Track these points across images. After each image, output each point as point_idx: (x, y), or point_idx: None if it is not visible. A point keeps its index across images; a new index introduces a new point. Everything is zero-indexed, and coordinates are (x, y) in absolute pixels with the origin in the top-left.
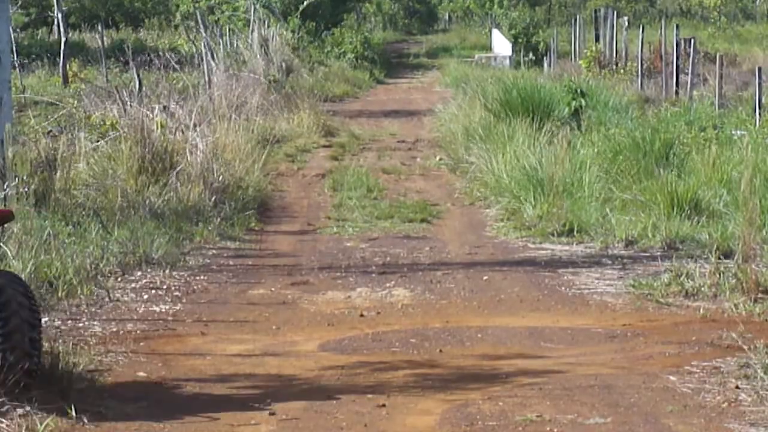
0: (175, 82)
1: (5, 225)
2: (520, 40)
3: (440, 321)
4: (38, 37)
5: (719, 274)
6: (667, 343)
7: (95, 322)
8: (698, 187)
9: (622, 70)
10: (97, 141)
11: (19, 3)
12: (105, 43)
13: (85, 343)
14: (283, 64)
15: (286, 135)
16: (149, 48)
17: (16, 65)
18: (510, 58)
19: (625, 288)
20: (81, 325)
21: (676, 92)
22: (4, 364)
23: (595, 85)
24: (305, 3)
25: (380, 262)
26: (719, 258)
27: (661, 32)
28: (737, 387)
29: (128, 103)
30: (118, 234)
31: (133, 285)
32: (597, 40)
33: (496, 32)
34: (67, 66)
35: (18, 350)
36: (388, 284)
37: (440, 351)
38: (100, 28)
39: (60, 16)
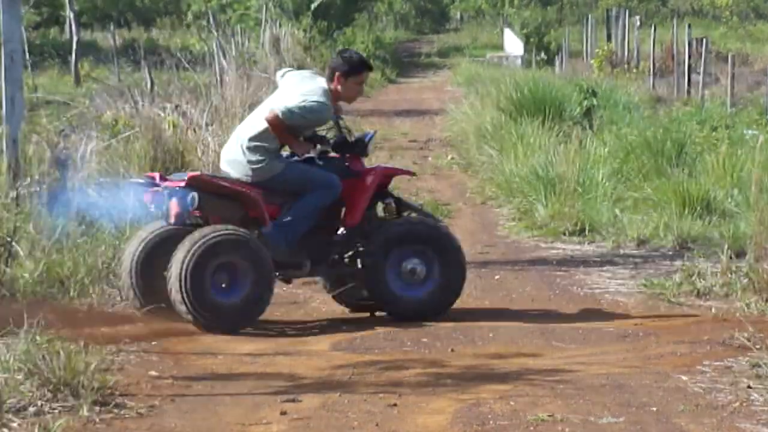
0: (186, 81)
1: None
2: (531, 40)
3: (452, 320)
4: (50, 37)
5: (731, 274)
6: (678, 343)
7: None
8: (710, 187)
9: (633, 70)
10: (110, 140)
11: (31, 2)
12: (117, 43)
13: (96, 343)
14: (295, 64)
15: None
16: (161, 47)
17: (28, 64)
18: (522, 57)
19: (636, 287)
20: None
21: (688, 92)
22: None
23: (607, 85)
24: (317, 2)
25: None
26: (731, 257)
27: (672, 32)
28: (749, 387)
29: (140, 102)
30: (130, 233)
31: None
32: (609, 39)
33: (507, 32)
34: (79, 65)
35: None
36: None
37: (452, 350)
38: (111, 27)
39: (72, 15)
